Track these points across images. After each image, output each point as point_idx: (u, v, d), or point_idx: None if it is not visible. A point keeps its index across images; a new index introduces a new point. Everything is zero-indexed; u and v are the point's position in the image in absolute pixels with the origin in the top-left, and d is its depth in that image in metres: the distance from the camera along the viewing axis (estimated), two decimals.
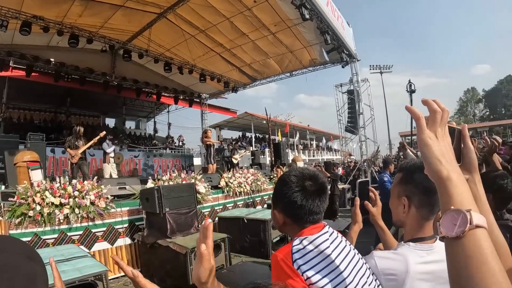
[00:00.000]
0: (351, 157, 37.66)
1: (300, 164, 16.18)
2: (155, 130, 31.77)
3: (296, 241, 1.61)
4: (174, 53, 17.92)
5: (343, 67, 18.42)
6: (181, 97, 23.85)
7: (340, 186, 14.64)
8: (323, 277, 1.48)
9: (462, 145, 1.15)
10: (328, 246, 1.60)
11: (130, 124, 32.20)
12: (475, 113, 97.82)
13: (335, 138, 47.32)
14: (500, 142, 3.48)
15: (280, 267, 1.52)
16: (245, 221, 7.99)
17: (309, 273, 1.47)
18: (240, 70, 20.08)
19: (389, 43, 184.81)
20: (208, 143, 13.03)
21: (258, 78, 21.38)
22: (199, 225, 7.20)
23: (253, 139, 37.21)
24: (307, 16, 12.47)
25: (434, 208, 1.66)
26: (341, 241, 1.73)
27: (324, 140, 47.74)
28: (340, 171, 22.76)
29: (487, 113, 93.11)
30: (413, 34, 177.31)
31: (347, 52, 17.54)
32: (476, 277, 0.76)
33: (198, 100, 24.44)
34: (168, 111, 31.72)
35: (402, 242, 1.69)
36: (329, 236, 1.69)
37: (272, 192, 1.98)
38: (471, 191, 1.02)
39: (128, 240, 7.28)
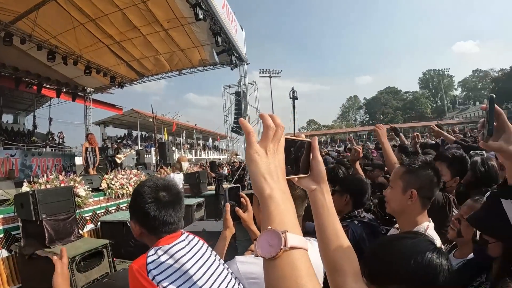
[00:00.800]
0: (237, 156, 38.13)
1: (185, 164, 15.99)
2: (35, 126, 29.31)
3: (151, 252, 1.63)
4: (60, 41, 16.40)
5: (232, 69, 18.67)
6: (64, 90, 21.92)
7: (225, 185, 14.67)
8: (178, 286, 1.51)
9: (312, 157, 1.19)
10: (185, 255, 1.65)
11: (7, 118, 29.20)
12: (356, 118, 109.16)
13: (222, 138, 47.74)
14: (360, 151, 3.94)
15: (136, 279, 1.54)
16: (129, 224, 7.60)
17: (164, 283, 1.49)
18: (128, 65, 19.30)
19: (281, 49, 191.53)
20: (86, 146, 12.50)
21: (146, 75, 20.78)
22: (79, 232, 6.83)
23: (139, 138, 36.23)
24: (201, 16, 12.36)
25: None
26: (201, 248, 1.79)
27: (210, 140, 48.01)
28: (225, 170, 22.93)
29: (367, 118, 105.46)
30: (306, 43, 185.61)
31: (237, 55, 17.76)
32: None
33: (82, 94, 22.68)
34: (49, 105, 29.23)
35: None
36: (187, 244, 1.74)
37: None
38: (319, 202, 1.21)
39: (5, 253, 6.48)
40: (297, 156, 1.13)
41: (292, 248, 0.79)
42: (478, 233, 1.88)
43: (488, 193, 1.86)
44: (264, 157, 0.89)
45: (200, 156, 43.47)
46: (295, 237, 0.81)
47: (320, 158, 1.19)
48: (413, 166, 2.12)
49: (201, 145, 48.95)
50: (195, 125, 49.13)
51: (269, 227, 0.82)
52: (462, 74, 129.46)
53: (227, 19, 15.04)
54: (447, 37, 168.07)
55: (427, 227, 2.01)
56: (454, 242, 2.43)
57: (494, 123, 1.28)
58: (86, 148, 12.45)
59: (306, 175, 1.19)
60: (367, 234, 2.79)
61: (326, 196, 1.22)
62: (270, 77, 52.75)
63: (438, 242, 1.85)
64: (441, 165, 3.14)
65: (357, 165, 4.01)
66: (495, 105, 1.26)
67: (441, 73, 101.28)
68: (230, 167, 26.72)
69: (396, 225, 2.24)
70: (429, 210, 2.15)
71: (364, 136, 69.92)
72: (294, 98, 19.89)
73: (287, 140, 1.02)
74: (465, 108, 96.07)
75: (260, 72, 52.32)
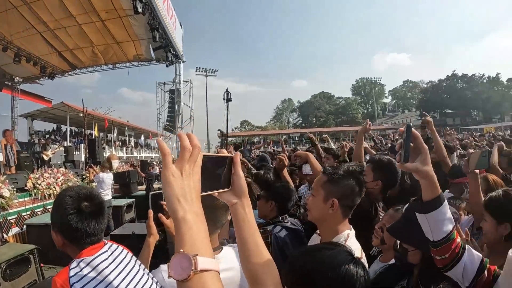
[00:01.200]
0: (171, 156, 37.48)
1: (116, 163, 15.66)
2: None
3: (74, 264, 1.62)
4: None
5: (167, 66, 18.57)
6: None
7: (156, 185, 14.48)
8: None
9: (233, 172, 1.23)
10: (107, 266, 1.64)
11: None
12: (289, 120, 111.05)
13: (155, 136, 46.79)
14: (285, 159, 4.14)
15: None
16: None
17: None
18: (60, 55, 18.59)
19: (221, 49, 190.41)
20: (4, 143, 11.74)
21: (78, 66, 20.15)
22: (3, 236, 6.53)
23: (68, 133, 34.61)
24: (140, 10, 12.22)
25: (216, 223, 1.90)
26: (124, 257, 1.78)
27: (143, 138, 47.00)
28: (157, 170, 22.61)
29: (300, 121, 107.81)
30: (246, 44, 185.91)
31: (174, 52, 17.69)
32: None
33: (9, 84, 21.53)
34: None
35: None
36: (110, 255, 1.73)
37: None
38: (239, 216, 1.26)
39: None
40: (218, 171, 1.17)
41: (202, 271, 0.83)
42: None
43: (406, 205, 2.02)
44: (179, 178, 0.91)
45: (131, 154, 42.09)
46: (205, 260, 0.85)
47: (241, 173, 1.24)
48: (335, 176, 2.15)
49: (133, 142, 47.74)
50: (128, 121, 47.72)
51: (181, 250, 0.85)
52: (394, 83, 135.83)
53: (166, 15, 14.91)
54: (382, 48, 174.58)
55: (348, 235, 2.06)
56: None
57: (412, 145, 1.39)
58: (6, 145, 11.66)
59: (227, 189, 1.22)
60: (291, 239, 2.87)
61: (247, 210, 1.27)
62: (206, 76, 52.89)
63: (358, 251, 1.97)
64: (368, 167, 3.36)
65: (285, 172, 4.15)
66: (412, 129, 1.38)
67: (373, 81, 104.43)
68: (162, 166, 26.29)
69: (318, 231, 2.27)
70: (354, 216, 2.21)
71: (296, 138, 70.97)
72: (228, 100, 19.87)
73: (209, 157, 1.07)
74: (394, 115, 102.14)
75: (196, 71, 52.34)
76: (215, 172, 1.16)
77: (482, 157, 2.85)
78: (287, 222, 3.06)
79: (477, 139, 12.95)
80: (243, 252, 1.29)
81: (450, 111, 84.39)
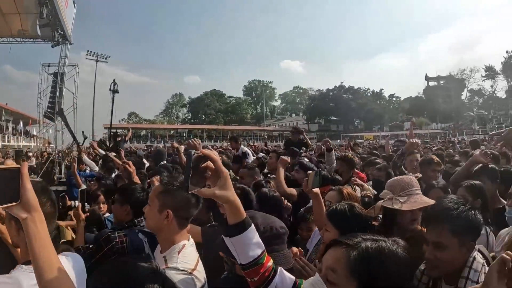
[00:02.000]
0: (50, 145, 34.64)
1: None
2: None
3: None
4: None
5: (52, 46, 16.78)
6: None
7: (32, 179, 12.81)
8: None
9: (20, 185, 1.24)
10: None
11: None
12: (178, 115, 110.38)
13: (34, 122, 43.16)
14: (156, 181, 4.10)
15: None
16: None
17: None
18: None
19: (117, 33, 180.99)
20: None
21: None
22: None
23: None
24: None
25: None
26: None
27: (21, 124, 43.08)
28: (33, 162, 20.49)
29: (189, 117, 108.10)
30: (144, 32, 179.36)
31: (62, 32, 16.05)
32: None
33: None
34: None
35: (18, 265, 1.72)
36: None
37: None
38: (30, 232, 1.27)
39: None
40: (7, 184, 1.19)
41: None
42: None
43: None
44: None
45: (8, 142, 38.43)
46: None
47: (28, 186, 1.27)
48: (170, 187, 2.16)
49: (11, 129, 43.36)
50: (6, 104, 43.64)
51: None
52: (284, 88, 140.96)
53: None
54: (277, 53, 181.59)
55: (184, 246, 2.10)
56: None
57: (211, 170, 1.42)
58: None
59: (15, 203, 1.22)
60: (147, 242, 2.89)
61: (38, 225, 1.28)
62: (97, 61, 50.27)
63: (193, 262, 2.05)
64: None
65: (154, 181, 4.15)
66: (197, 155, 1.39)
67: (265, 84, 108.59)
68: (39, 157, 23.94)
69: None
70: None
71: (184, 134, 71.10)
72: (115, 92, 18.63)
73: None
74: (282, 118, 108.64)
75: (87, 54, 49.39)
76: (3, 185, 1.19)
77: (315, 176, 3.19)
78: (143, 226, 2.99)
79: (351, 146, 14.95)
80: (35, 269, 1.30)
81: (335, 118, 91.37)
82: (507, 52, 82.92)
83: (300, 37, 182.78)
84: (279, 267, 1.69)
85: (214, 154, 1.43)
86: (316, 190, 3.16)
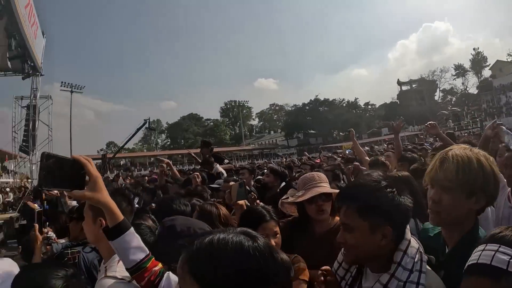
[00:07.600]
0: (29, 180, 34.03)
1: None
2: None
3: None
4: None
5: (23, 78, 16.58)
6: None
7: (8, 214, 12.61)
8: None
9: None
10: None
11: None
12: (157, 142, 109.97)
13: (10, 158, 42.53)
14: None
15: None
16: None
17: None
18: None
19: (91, 62, 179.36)
20: None
21: None
22: None
23: None
24: None
25: None
26: None
27: None
28: (11, 197, 20.13)
29: (168, 142, 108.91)
30: (118, 61, 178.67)
31: (32, 64, 15.96)
32: None
33: None
34: None
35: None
36: None
37: None
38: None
39: None
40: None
41: None
42: None
43: None
44: None
45: None
46: None
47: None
48: None
49: None
50: None
51: None
52: (261, 106, 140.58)
53: (27, 21, 13.16)
54: (250, 73, 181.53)
55: None
56: None
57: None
58: None
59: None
60: (100, 260, 2.68)
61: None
62: (71, 92, 50.01)
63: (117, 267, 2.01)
64: None
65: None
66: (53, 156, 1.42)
67: (241, 104, 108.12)
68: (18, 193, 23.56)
69: None
70: None
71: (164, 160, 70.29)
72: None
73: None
74: (261, 136, 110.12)
75: (61, 85, 49.44)
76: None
77: (239, 188, 3.12)
78: None
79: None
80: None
81: (313, 131, 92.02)
82: (474, 49, 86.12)
83: (271, 55, 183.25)
84: (166, 272, 1.70)
85: (84, 158, 1.48)
86: (241, 202, 3.07)
